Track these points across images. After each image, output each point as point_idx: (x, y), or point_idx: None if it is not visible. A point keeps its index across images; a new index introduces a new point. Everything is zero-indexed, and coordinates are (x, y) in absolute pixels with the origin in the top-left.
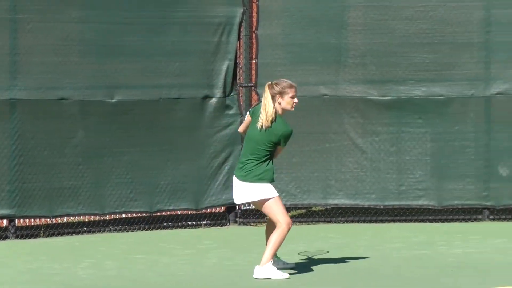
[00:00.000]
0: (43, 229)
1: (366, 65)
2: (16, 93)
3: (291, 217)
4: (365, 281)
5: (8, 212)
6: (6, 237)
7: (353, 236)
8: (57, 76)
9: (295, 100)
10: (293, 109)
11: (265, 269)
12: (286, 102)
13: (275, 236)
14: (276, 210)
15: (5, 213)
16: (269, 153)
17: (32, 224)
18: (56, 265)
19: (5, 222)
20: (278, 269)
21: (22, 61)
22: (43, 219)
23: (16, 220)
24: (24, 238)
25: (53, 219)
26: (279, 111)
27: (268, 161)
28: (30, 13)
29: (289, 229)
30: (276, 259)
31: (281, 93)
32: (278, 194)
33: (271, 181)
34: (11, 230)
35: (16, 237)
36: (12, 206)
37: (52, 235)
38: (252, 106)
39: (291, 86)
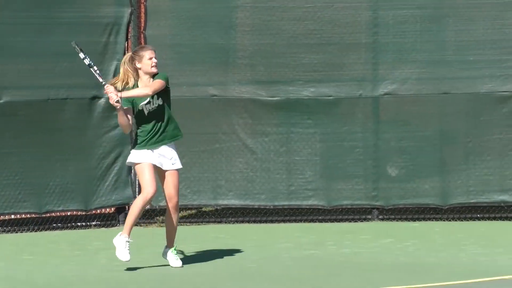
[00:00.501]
0: None
1: (254, 65)
2: None
3: (182, 217)
4: (255, 282)
5: None
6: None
7: (243, 236)
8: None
9: (154, 60)
10: (155, 70)
11: (118, 239)
12: (145, 64)
13: (134, 203)
14: (139, 177)
15: None
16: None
17: None
18: None
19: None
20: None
21: None
22: None
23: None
24: None
25: None
26: (143, 79)
27: (137, 126)
28: None
29: (146, 199)
30: (169, 251)
31: (139, 58)
32: (144, 162)
33: (137, 147)
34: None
35: None
36: None
37: None
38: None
39: (143, 49)
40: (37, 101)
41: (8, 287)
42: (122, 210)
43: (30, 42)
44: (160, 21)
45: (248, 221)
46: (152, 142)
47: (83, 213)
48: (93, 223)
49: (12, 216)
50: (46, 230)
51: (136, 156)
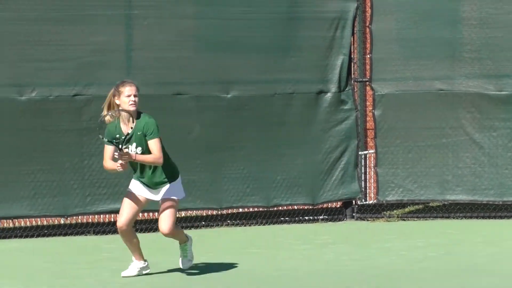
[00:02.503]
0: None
1: (482, 59)
2: None
3: (408, 213)
4: (482, 277)
5: None
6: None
7: (471, 232)
8: (172, 72)
9: (132, 98)
10: (133, 108)
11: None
12: (123, 101)
13: None
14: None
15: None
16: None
17: (151, 218)
18: (172, 258)
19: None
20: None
21: (137, 57)
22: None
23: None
24: (142, 232)
25: None
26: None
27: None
28: (146, 9)
29: (119, 231)
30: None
31: (118, 94)
32: (130, 191)
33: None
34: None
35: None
36: None
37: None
38: None
39: (123, 84)
40: (264, 95)
41: (237, 279)
42: (349, 204)
43: (257, 37)
44: (386, 15)
45: (477, 217)
46: (142, 182)
47: (310, 207)
48: (320, 217)
49: (240, 210)
50: (273, 223)
51: (131, 184)
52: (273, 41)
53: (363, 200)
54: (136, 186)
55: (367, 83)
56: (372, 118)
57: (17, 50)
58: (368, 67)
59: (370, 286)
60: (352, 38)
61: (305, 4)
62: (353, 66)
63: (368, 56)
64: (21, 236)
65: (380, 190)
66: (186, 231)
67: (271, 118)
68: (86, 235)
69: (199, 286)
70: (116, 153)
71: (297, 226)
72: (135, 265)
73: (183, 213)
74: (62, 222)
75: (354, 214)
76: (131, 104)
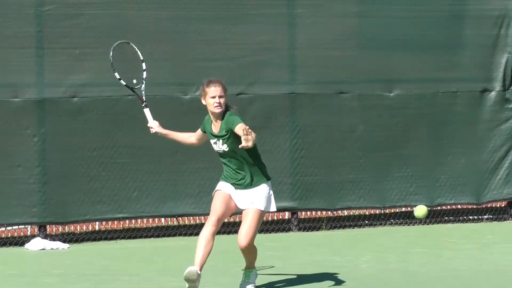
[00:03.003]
0: (325, 221)
1: None
2: (296, 87)
3: None
4: None
5: (291, 204)
6: (289, 229)
7: None
8: (335, 70)
9: (216, 100)
10: (217, 110)
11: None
12: (208, 103)
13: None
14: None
15: (287, 206)
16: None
17: (314, 216)
18: (338, 257)
19: (287, 214)
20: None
21: (301, 56)
22: (324, 212)
23: (299, 213)
24: (307, 231)
25: (335, 212)
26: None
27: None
28: (309, 8)
29: (204, 229)
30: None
31: (204, 94)
32: (221, 190)
33: (221, 179)
34: (294, 222)
35: (299, 229)
36: (294, 199)
37: (334, 227)
38: None
39: (208, 85)
40: (427, 94)
41: (401, 279)
42: None
43: (420, 36)
44: None
45: None
46: (232, 182)
47: (475, 206)
48: (485, 216)
49: (404, 209)
50: (438, 223)
51: (219, 185)
52: (437, 40)
53: None
54: (224, 185)
55: None
56: None
57: (180, 49)
58: None
59: None
60: None
61: (469, 2)
62: None
63: None
64: (185, 234)
65: None
66: (349, 230)
67: (435, 117)
68: None
69: (360, 285)
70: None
71: (461, 226)
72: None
73: (346, 212)
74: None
75: None
76: (216, 106)
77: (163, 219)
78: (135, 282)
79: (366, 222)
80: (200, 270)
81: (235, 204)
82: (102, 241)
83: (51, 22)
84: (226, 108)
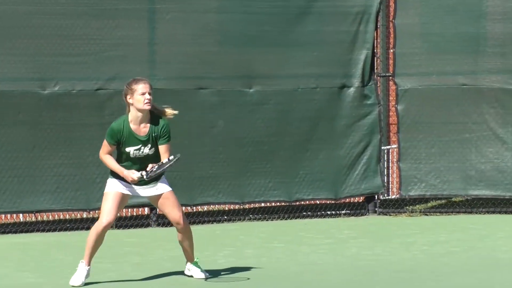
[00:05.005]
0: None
1: (505, 54)
2: (155, 83)
3: (431, 208)
4: (506, 272)
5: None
6: (148, 225)
7: (494, 227)
8: (195, 66)
9: (147, 96)
10: (148, 107)
11: (80, 265)
12: (137, 100)
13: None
14: (102, 204)
15: (146, 202)
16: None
17: None
18: (196, 252)
19: (146, 210)
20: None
21: (161, 51)
22: (183, 207)
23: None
24: (166, 226)
25: (194, 208)
26: (133, 114)
27: (118, 161)
28: (169, 3)
29: (98, 229)
30: (191, 265)
31: (131, 92)
32: (111, 191)
33: (113, 176)
34: (153, 218)
35: (158, 225)
36: None
37: (193, 223)
38: None
39: (136, 82)
40: (286, 90)
41: (260, 274)
42: (371, 199)
43: (280, 32)
44: (409, 10)
45: (499, 212)
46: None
47: (333, 202)
48: (343, 212)
49: (263, 204)
50: (296, 218)
51: (109, 185)
52: (297, 36)
53: (385, 195)
54: (119, 184)
55: (390, 77)
56: (395, 113)
57: (39, 44)
58: (391, 61)
59: (393, 281)
60: (375, 33)
61: None
62: (376, 61)
63: (392, 51)
64: (43, 230)
65: (402, 185)
66: (208, 226)
67: (294, 113)
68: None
69: (219, 281)
70: (145, 173)
71: (319, 221)
72: (85, 271)
73: (205, 208)
74: (84, 216)
75: (376, 209)
76: (146, 103)
77: (21, 215)
78: None
79: (225, 217)
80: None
81: (130, 197)
82: None
83: None
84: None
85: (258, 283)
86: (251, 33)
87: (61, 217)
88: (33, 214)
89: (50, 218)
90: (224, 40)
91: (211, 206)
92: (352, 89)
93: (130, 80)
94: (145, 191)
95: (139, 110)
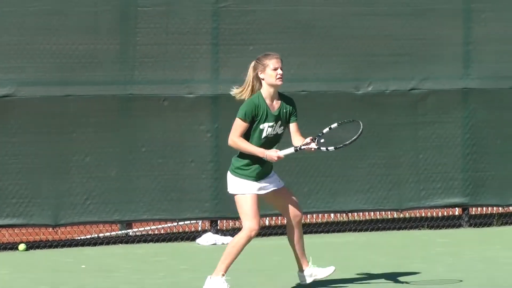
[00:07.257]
0: (496, 218)
1: None
2: (469, 82)
3: None
4: None
5: (462, 200)
6: (459, 225)
7: None
8: (510, 65)
9: (279, 71)
10: (280, 82)
11: (213, 283)
12: (269, 75)
13: (231, 242)
14: (240, 209)
15: (458, 202)
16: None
17: (485, 212)
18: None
19: (457, 210)
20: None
21: (475, 50)
22: (495, 208)
23: (469, 209)
24: (478, 227)
25: (506, 208)
26: (265, 90)
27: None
28: (484, 3)
29: (250, 237)
30: (309, 269)
31: (262, 67)
32: (250, 193)
33: (241, 176)
34: (465, 218)
35: (470, 225)
36: (466, 195)
37: (506, 224)
38: None
39: (268, 57)
40: None
41: None
42: None
43: None
44: None
45: None
46: (260, 174)
47: None
48: None
49: None
50: None
51: (240, 186)
52: None
53: None
54: (252, 184)
55: None
56: None
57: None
58: None
59: None
60: None
61: None
62: None
63: None
64: (355, 230)
65: None
66: None
67: None
68: (420, 229)
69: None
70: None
71: None
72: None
73: None
74: (395, 216)
75: None
76: (278, 78)
77: (332, 214)
78: None
79: None
80: None
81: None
82: None
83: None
84: None
85: None
86: None
87: (373, 216)
88: (345, 214)
89: (362, 218)
90: None
91: None
92: None
93: (261, 55)
94: (270, 185)
95: (271, 85)
